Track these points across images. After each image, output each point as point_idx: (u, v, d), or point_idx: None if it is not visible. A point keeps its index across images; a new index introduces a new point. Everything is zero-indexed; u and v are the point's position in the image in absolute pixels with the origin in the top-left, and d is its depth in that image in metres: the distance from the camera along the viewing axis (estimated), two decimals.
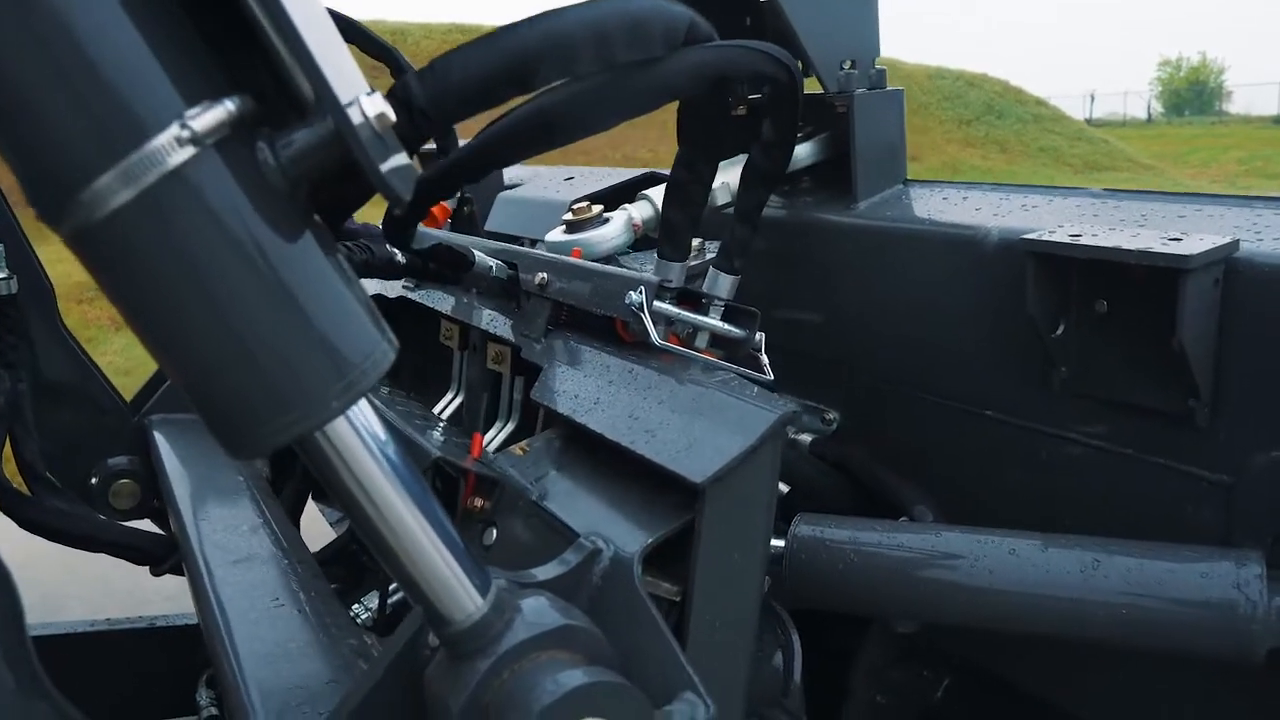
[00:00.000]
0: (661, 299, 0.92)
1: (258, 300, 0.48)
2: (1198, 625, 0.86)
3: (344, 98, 0.48)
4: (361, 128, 0.48)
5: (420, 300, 1.40)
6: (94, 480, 1.59)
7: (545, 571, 0.73)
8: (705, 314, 0.95)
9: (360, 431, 0.55)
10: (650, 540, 0.76)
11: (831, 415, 1.46)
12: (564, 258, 1.08)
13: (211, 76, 0.48)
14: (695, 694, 0.67)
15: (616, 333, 1.00)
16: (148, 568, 1.59)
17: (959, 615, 0.98)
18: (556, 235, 1.31)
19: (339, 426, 0.54)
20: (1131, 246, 0.94)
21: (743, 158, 1.08)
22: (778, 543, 1.03)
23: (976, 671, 1.42)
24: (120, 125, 0.45)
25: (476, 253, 1.09)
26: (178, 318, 0.48)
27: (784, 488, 1.36)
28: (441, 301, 1.36)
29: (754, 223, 0.99)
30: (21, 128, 0.45)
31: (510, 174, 2.27)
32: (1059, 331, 1.08)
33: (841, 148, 1.41)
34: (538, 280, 1.07)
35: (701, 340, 0.96)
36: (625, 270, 0.96)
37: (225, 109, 0.47)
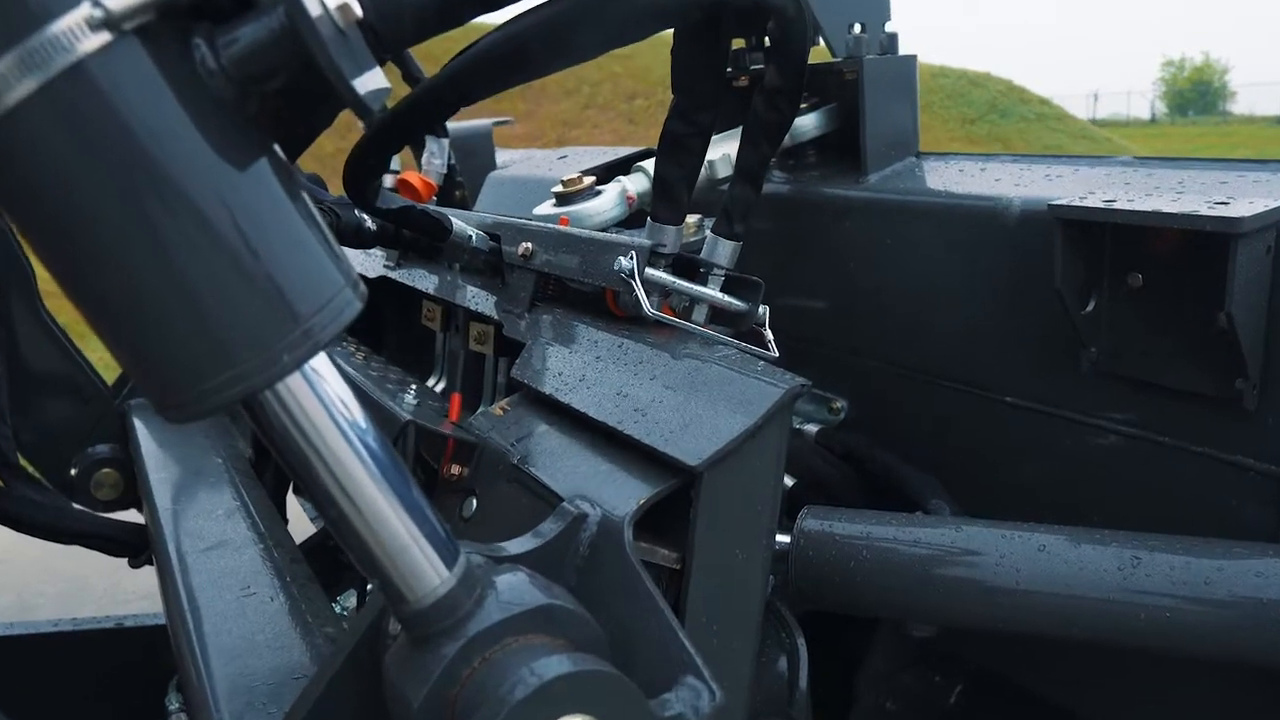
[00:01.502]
0: (655, 266, 0.83)
1: (193, 228, 0.40)
2: (1254, 630, 0.77)
3: None
4: (320, 21, 0.40)
5: (401, 279, 1.31)
6: (74, 471, 1.52)
7: (522, 543, 0.64)
8: (704, 284, 0.86)
9: (316, 388, 0.46)
10: (643, 499, 0.66)
11: (839, 403, 1.38)
12: (549, 225, 0.99)
13: None
14: (698, 678, 0.58)
15: (608, 307, 0.91)
16: (126, 561, 1.52)
17: (982, 618, 0.89)
18: (545, 209, 1.22)
19: (293, 384, 0.46)
20: (1174, 210, 0.85)
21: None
22: (782, 539, 0.94)
23: (991, 677, 1.33)
24: (19, 3, 0.37)
25: (455, 220, 1.00)
26: (93, 247, 0.39)
27: (788, 480, 1.28)
28: (423, 280, 1.27)
29: (758, 182, 0.90)
30: None
31: (501, 156, 2.19)
32: (1089, 308, 0.99)
33: (850, 118, 1.32)
34: (521, 251, 0.98)
35: (699, 314, 0.87)
36: (615, 236, 0.87)
37: None
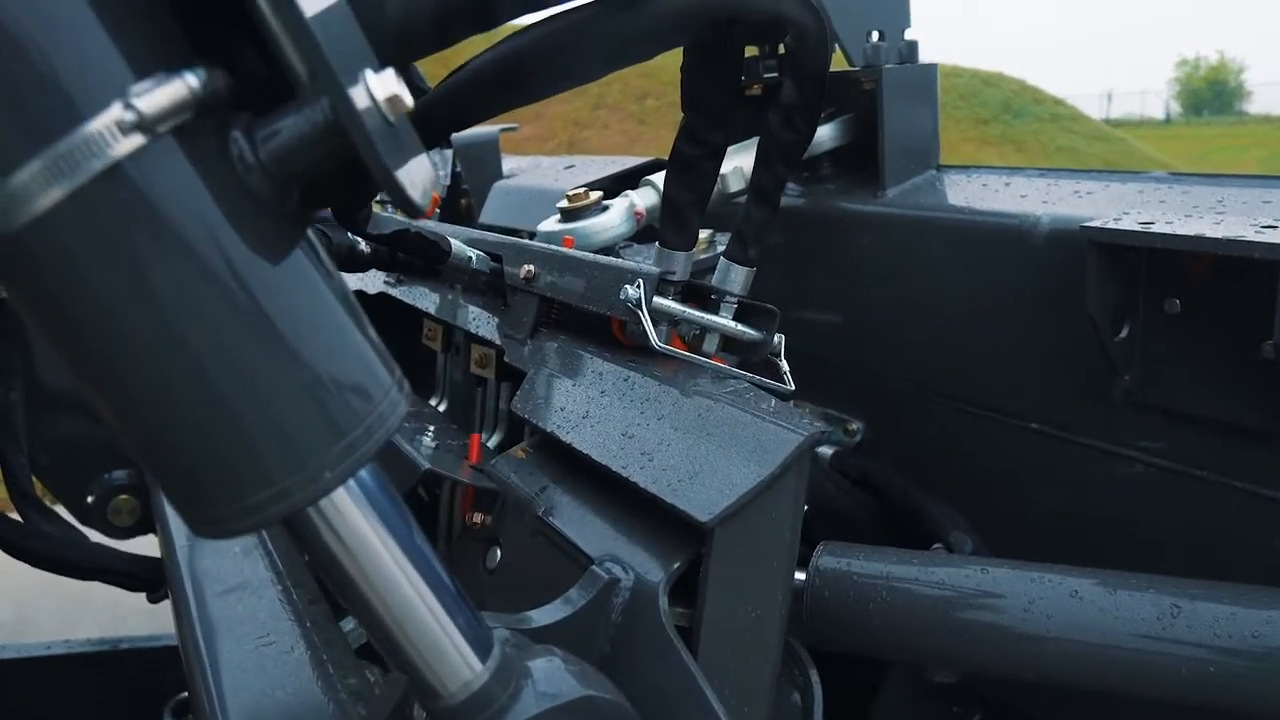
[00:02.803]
0: (663, 294, 0.78)
1: (230, 339, 0.37)
2: None
3: (345, 74, 0.36)
4: (368, 114, 0.36)
5: (401, 297, 1.27)
6: (90, 499, 1.49)
7: (552, 611, 0.60)
8: (715, 312, 0.81)
9: (356, 499, 0.43)
10: (677, 563, 0.62)
11: (855, 426, 1.33)
12: (552, 248, 0.94)
13: (169, 43, 0.36)
14: None
15: (614, 334, 0.86)
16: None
17: (1009, 667, 0.84)
18: (550, 225, 1.17)
19: (335, 497, 0.42)
20: (1217, 235, 0.80)
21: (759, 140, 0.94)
22: (798, 575, 0.89)
23: (1010, 710, 1.28)
24: (46, 103, 0.33)
25: (454, 241, 0.95)
26: (123, 360, 0.36)
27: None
28: (424, 299, 1.23)
29: (773, 203, 0.85)
30: None
31: (508, 164, 2.14)
32: (1123, 334, 0.94)
33: (868, 129, 1.27)
34: (523, 273, 0.93)
35: (711, 344, 0.82)
36: (622, 261, 0.82)
37: (185, 85, 0.35)
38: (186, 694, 1.54)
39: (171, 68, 0.35)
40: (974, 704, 1.36)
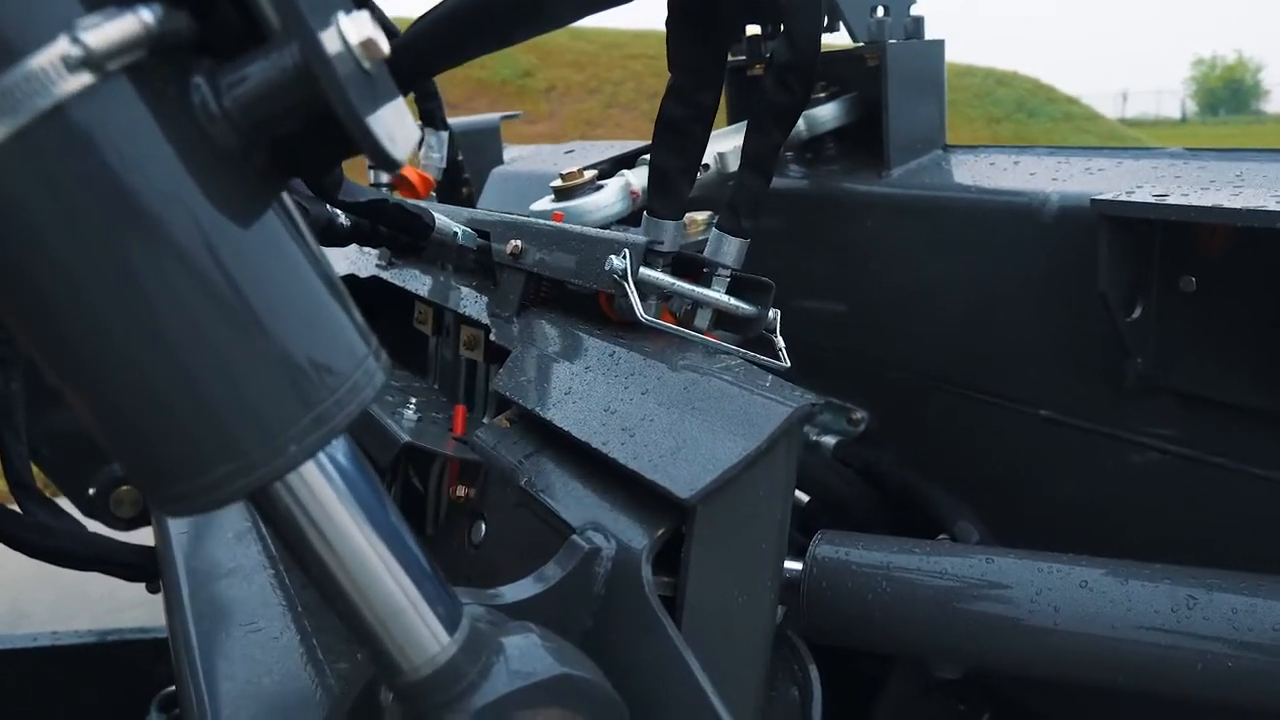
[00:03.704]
0: (651, 265, 0.74)
1: (190, 300, 0.34)
2: None
3: (314, 15, 0.33)
4: (339, 59, 0.33)
5: (392, 280, 1.24)
6: (92, 490, 1.47)
7: (527, 586, 0.57)
8: (708, 286, 0.78)
9: (322, 467, 0.40)
10: (660, 530, 0.59)
11: (858, 415, 1.29)
12: (539, 222, 0.90)
13: None
14: None
15: (603, 310, 0.83)
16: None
17: (1015, 662, 0.80)
18: (542, 204, 1.14)
19: (303, 471, 0.40)
20: (1237, 206, 0.76)
21: None
22: (794, 565, 0.85)
23: (1019, 708, 1.24)
24: None
25: (438, 216, 0.92)
26: (72, 321, 0.33)
27: (802, 497, 1.19)
28: (414, 281, 1.19)
29: (767, 172, 0.81)
30: None
31: (510, 154, 2.12)
32: (1136, 313, 0.90)
33: (872, 107, 1.23)
34: (510, 249, 0.89)
35: (703, 318, 0.78)
36: (608, 233, 0.78)
37: (139, 20, 0.32)
38: (174, 687, 1.51)
39: (124, 2, 0.32)
40: (982, 702, 1.32)
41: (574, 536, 0.60)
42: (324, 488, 0.40)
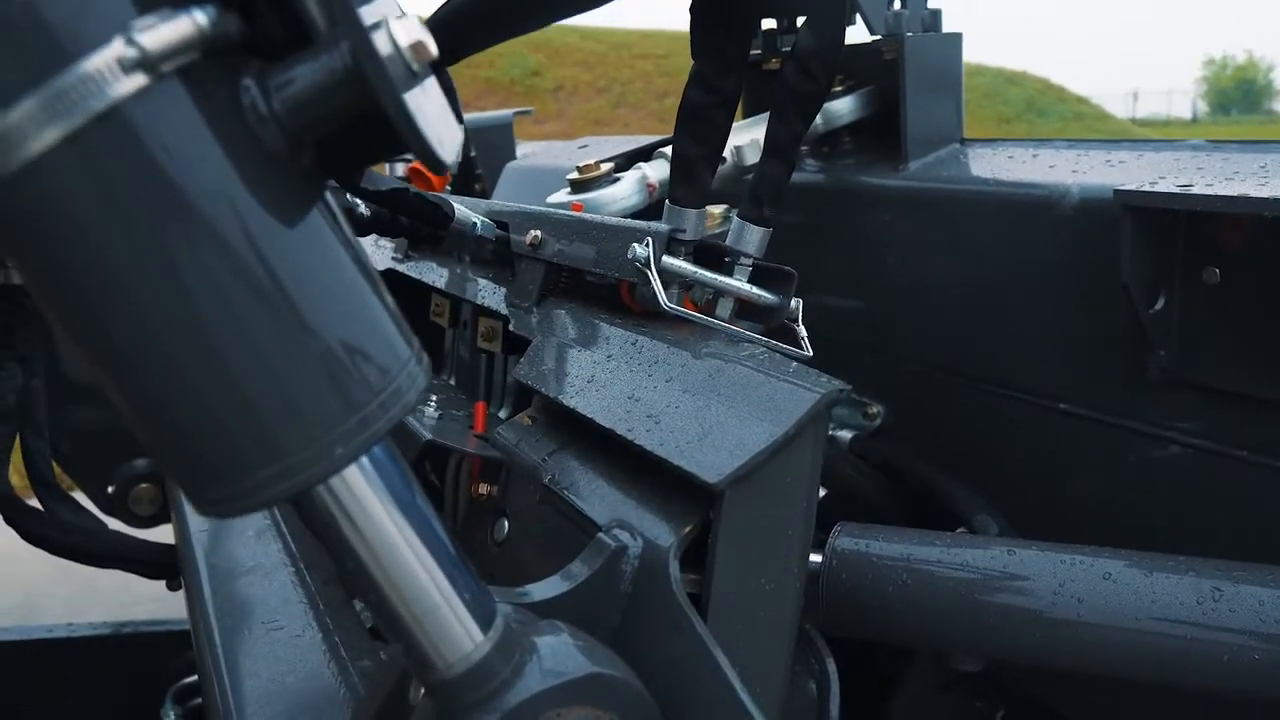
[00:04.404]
0: (674, 254, 0.74)
1: (237, 303, 0.34)
2: None
3: (367, 18, 0.33)
4: (390, 61, 0.34)
5: (408, 272, 1.24)
6: (112, 488, 1.49)
7: (554, 585, 0.57)
8: (729, 275, 0.78)
9: (365, 470, 0.40)
10: (687, 527, 0.58)
11: (875, 409, 1.28)
12: (559, 212, 0.90)
13: None
14: None
15: (623, 300, 0.83)
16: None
17: (1036, 654, 0.79)
18: (559, 197, 1.14)
19: (346, 474, 0.40)
20: (1265, 195, 0.75)
21: None
22: (814, 558, 0.85)
23: (1038, 705, 1.23)
24: (44, 36, 0.31)
25: (457, 206, 0.92)
26: (121, 321, 0.34)
27: (821, 492, 1.18)
28: (431, 273, 1.19)
29: (789, 161, 0.81)
30: None
31: (523, 148, 2.12)
32: (1158, 306, 0.89)
33: (889, 101, 1.23)
34: (529, 239, 0.89)
35: (724, 308, 0.78)
36: (631, 222, 0.78)
37: (193, 22, 0.33)
38: (190, 679, 1.52)
39: (178, 4, 0.33)
40: (998, 699, 1.32)
41: (600, 534, 0.59)
42: (361, 485, 0.40)
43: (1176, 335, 0.90)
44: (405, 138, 0.34)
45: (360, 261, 0.38)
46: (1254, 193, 0.77)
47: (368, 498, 0.41)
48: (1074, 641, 0.77)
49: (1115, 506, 1.00)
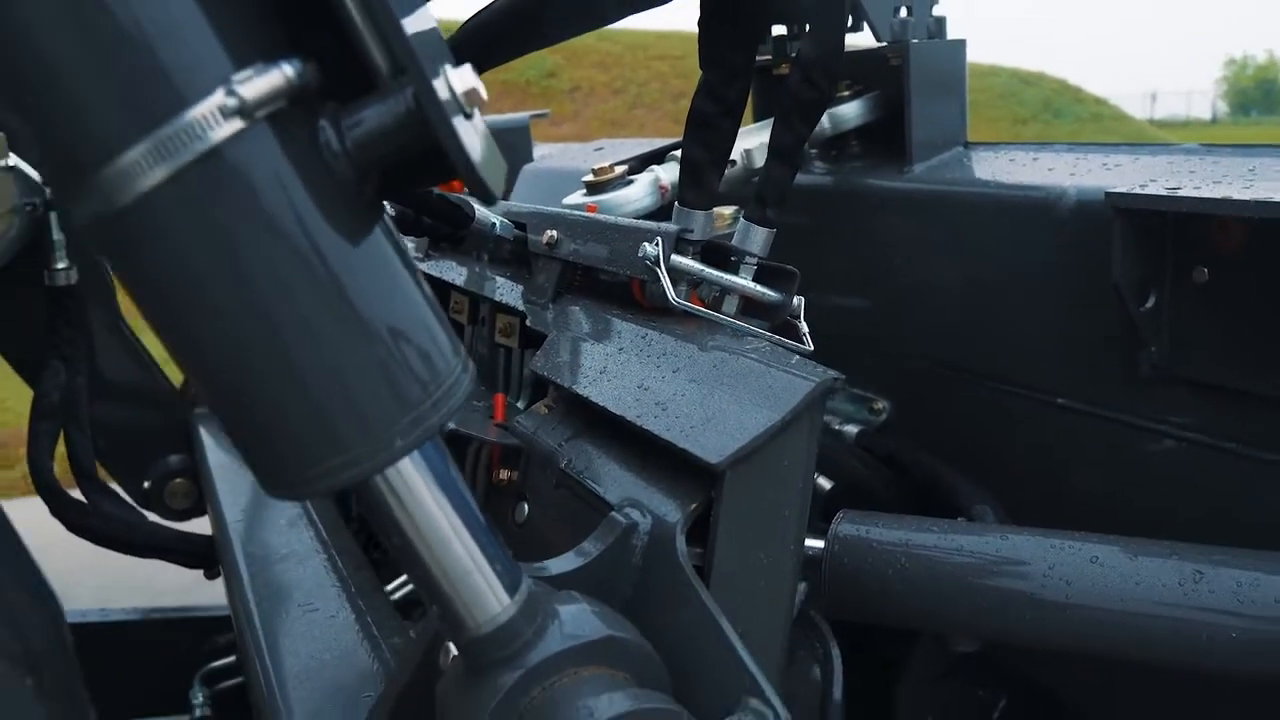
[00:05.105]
0: (682, 253, 0.78)
1: (311, 315, 0.40)
2: None
3: (429, 69, 0.38)
4: (449, 105, 0.39)
5: (428, 271, 1.29)
6: (148, 484, 1.56)
7: (569, 561, 0.61)
8: (735, 273, 0.82)
9: (416, 460, 0.46)
10: (694, 505, 0.63)
11: (880, 404, 1.32)
12: (574, 213, 0.95)
13: (266, 36, 0.39)
14: (762, 700, 0.55)
15: (634, 297, 0.87)
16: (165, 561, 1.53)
17: (1028, 634, 0.83)
18: (574, 199, 1.18)
19: (402, 467, 0.45)
20: (1245, 198, 0.79)
21: None
22: (817, 543, 0.89)
23: (1039, 692, 1.27)
24: (154, 89, 0.36)
25: (477, 207, 0.96)
26: (215, 330, 0.39)
27: (826, 484, 1.22)
28: (450, 272, 1.24)
29: (793, 164, 0.85)
30: (39, 90, 0.36)
31: (539, 150, 2.16)
32: (1149, 304, 0.93)
33: (895, 106, 1.27)
34: (546, 239, 0.94)
35: (730, 305, 0.82)
36: (642, 222, 0.83)
37: (283, 74, 0.38)
38: (218, 664, 1.57)
39: (270, 58, 0.38)
40: (1000, 686, 1.35)
41: (612, 513, 0.64)
42: (409, 469, 0.46)
43: (1167, 333, 0.93)
44: (460, 173, 0.39)
45: (415, 276, 0.43)
46: (1237, 195, 0.80)
47: (415, 480, 0.46)
48: (1063, 622, 0.81)
49: (1111, 498, 1.04)
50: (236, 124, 0.37)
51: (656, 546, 0.62)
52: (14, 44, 0.35)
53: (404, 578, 1.24)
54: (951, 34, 1.28)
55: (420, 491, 0.46)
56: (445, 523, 0.47)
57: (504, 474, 0.87)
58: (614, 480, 0.69)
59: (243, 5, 0.38)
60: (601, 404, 0.72)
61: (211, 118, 0.36)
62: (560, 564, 0.61)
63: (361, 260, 0.40)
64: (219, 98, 0.36)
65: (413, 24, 0.38)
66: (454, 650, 0.53)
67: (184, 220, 0.37)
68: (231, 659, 1.57)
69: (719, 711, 0.54)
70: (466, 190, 1.60)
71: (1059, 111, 18.70)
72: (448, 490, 0.47)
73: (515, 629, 0.50)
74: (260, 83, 0.37)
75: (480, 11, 0.62)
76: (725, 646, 0.57)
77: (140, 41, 0.35)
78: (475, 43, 0.61)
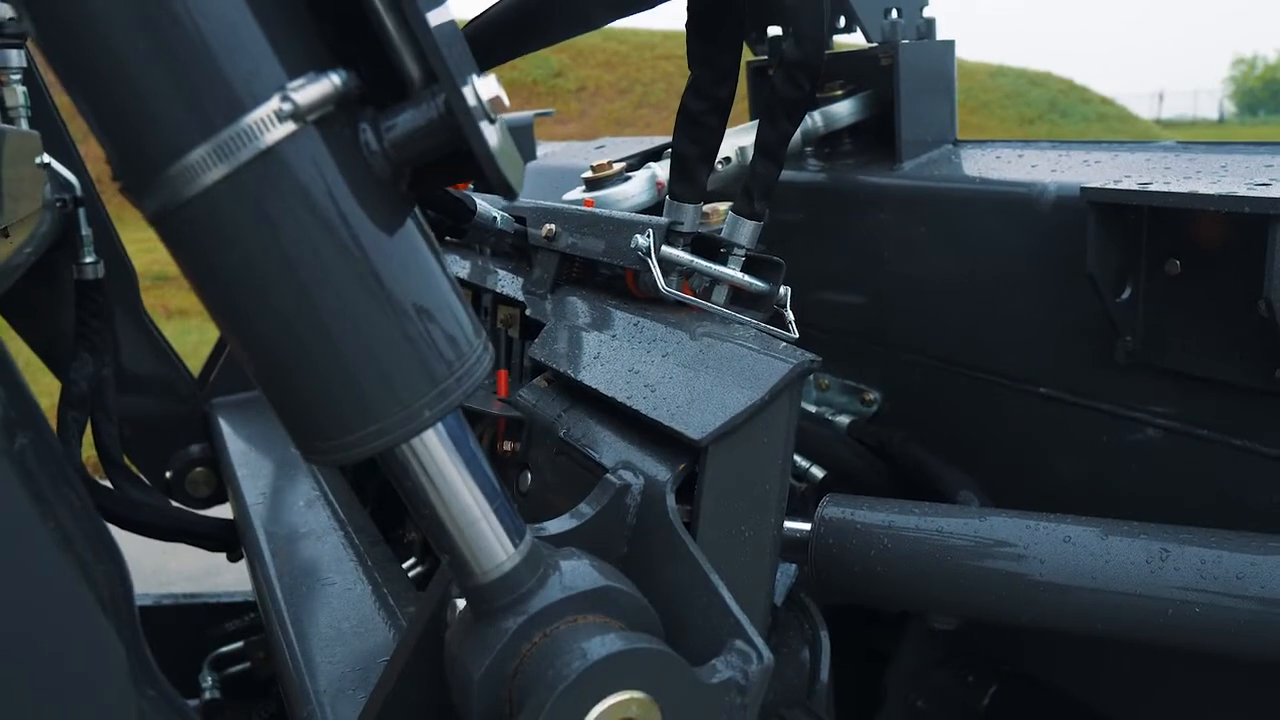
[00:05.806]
0: (673, 245, 0.82)
1: (352, 296, 0.44)
2: None
3: (459, 78, 0.43)
4: (476, 111, 0.43)
5: None
6: (169, 473, 1.61)
7: (565, 522, 0.66)
8: (724, 264, 0.85)
9: (445, 438, 0.51)
10: (683, 466, 0.67)
11: (871, 395, 1.36)
12: (571, 207, 0.98)
13: (316, 48, 0.44)
14: (746, 642, 0.59)
15: (629, 288, 0.91)
16: (172, 545, 1.57)
17: (1003, 612, 0.86)
18: (573, 195, 1.22)
19: (426, 436, 0.50)
20: (1211, 192, 0.83)
21: None
22: (804, 526, 0.92)
23: (1027, 679, 1.30)
24: (218, 95, 0.41)
25: (479, 201, 1.00)
26: (264, 310, 0.44)
27: (820, 473, 1.26)
28: (454, 265, 1.28)
29: (779, 160, 0.89)
30: (113, 95, 0.41)
31: (543, 148, 2.20)
32: (1125, 295, 0.96)
33: (885, 105, 1.30)
34: (545, 232, 0.98)
35: (720, 294, 0.86)
36: (635, 216, 0.86)
37: (331, 83, 0.42)
38: (226, 649, 1.61)
39: (320, 68, 0.42)
40: (991, 673, 1.38)
41: (607, 475, 0.68)
42: (432, 436, 0.50)
43: (1141, 323, 0.97)
44: (485, 172, 0.43)
45: (441, 263, 0.48)
46: (1204, 189, 0.84)
47: (434, 443, 0.50)
48: (1035, 600, 0.84)
49: (1089, 481, 1.07)
50: (289, 126, 0.41)
51: (649, 505, 0.66)
52: (97, 55, 0.40)
53: (415, 559, 1.29)
54: (948, 32, 1.31)
55: (439, 453, 0.50)
56: (459, 478, 0.51)
57: (508, 445, 0.91)
58: (609, 446, 0.73)
59: (295, 22, 0.43)
60: (595, 387, 0.76)
61: (268, 121, 0.41)
62: (559, 524, 0.65)
63: (395, 249, 0.45)
64: (275, 103, 0.41)
65: (442, 37, 0.43)
66: (460, 606, 0.57)
67: (241, 212, 0.42)
68: (240, 644, 1.61)
69: (708, 654, 0.58)
70: (472, 186, 1.64)
71: (1066, 111, 18.68)
72: (463, 452, 0.52)
73: (519, 577, 0.54)
74: (312, 90, 0.42)
75: (480, 15, 0.66)
76: (713, 594, 0.61)
77: (207, 54, 0.40)
78: (475, 44, 0.64)
